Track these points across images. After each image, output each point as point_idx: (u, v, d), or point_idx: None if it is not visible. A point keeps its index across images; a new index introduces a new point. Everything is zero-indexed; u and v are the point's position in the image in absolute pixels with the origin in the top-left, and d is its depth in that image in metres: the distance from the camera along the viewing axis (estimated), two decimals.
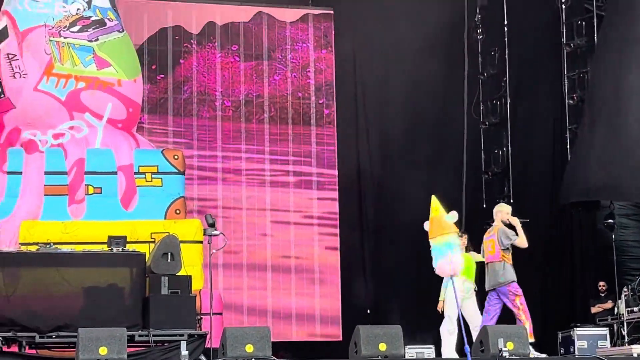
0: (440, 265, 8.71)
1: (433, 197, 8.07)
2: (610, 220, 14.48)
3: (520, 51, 16.56)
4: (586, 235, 16.21)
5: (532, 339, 10.78)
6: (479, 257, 11.87)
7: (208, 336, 10.95)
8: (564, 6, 16.53)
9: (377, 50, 16.91)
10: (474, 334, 11.12)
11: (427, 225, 8.95)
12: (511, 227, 11.35)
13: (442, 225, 8.19)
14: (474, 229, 13.20)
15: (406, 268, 16.39)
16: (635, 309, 13.23)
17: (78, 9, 13.71)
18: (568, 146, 16.42)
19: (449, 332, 11.70)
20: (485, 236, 11.59)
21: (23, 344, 10.39)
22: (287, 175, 17.33)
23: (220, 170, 16.97)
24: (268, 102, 17.58)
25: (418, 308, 14.63)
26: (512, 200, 15.80)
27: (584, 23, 16.29)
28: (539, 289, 15.43)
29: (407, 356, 10.67)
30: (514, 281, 11.14)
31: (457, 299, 10.49)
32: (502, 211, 11.58)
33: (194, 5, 17.39)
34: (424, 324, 13.60)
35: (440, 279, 12.12)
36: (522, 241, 11.21)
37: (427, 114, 16.88)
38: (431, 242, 8.66)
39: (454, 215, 8.45)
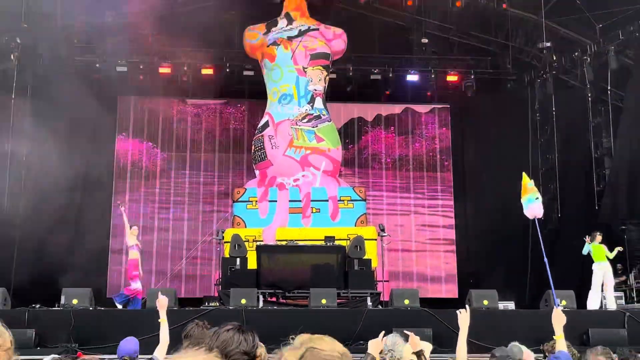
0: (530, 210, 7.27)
1: (524, 174, 6.80)
2: (622, 227, 13.41)
3: None
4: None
5: None
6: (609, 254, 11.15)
7: (381, 295, 11.35)
8: None
9: None
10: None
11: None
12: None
13: (527, 189, 6.92)
14: None
15: (495, 258, 15.29)
16: None
17: (306, 109, 14.46)
18: None
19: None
20: None
21: (279, 296, 11.21)
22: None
23: (385, 202, 16.85)
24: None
25: (506, 280, 13.85)
26: None
27: None
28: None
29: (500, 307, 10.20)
30: None
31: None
32: None
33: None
34: (509, 289, 12.93)
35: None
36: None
37: None
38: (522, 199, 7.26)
39: (532, 182, 7.28)
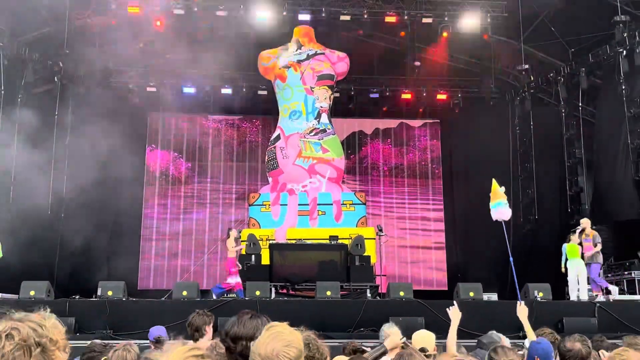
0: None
1: (493, 180, 6.48)
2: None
3: None
4: None
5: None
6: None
7: (379, 287, 11.34)
8: None
9: None
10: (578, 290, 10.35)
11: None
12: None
13: (496, 194, 6.59)
14: None
15: (480, 255, 15.36)
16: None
17: (313, 124, 14.40)
18: None
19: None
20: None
21: (289, 288, 11.26)
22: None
23: (382, 206, 16.95)
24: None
25: (490, 274, 13.78)
26: None
27: None
28: None
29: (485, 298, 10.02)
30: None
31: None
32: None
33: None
34: (492, 282, 12.82)
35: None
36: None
37: None
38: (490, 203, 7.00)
39: (502, 189, 7.01)
